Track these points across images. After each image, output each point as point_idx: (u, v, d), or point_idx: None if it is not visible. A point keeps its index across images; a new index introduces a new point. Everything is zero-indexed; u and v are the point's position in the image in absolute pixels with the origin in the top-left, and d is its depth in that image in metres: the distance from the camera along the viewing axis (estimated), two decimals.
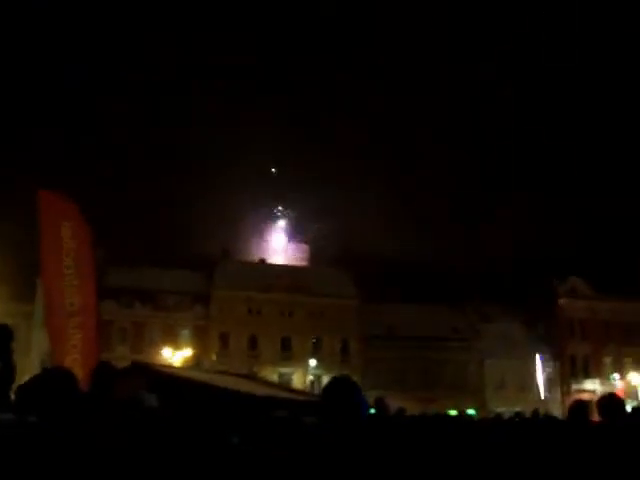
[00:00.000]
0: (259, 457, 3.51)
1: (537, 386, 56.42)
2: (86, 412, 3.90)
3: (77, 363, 8.47)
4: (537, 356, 56.89)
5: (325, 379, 43.65)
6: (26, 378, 3.86)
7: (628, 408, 6.54)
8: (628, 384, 54.53)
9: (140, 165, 67.98)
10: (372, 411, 10.25)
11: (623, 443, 4.88)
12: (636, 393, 52.13)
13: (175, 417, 4.26)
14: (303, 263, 67.84)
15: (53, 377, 3.79)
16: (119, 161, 71.21)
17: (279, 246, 72.36)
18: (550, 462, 5.46)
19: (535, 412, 14.39)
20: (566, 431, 5.89)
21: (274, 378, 46.82)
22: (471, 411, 45.89)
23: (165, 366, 19.28)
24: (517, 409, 21.93)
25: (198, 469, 3.82)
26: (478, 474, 5.11)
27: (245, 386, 5.90)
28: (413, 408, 21.78)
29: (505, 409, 40.87)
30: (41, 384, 3.69)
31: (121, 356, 33.88)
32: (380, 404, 10.36)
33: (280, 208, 75.88)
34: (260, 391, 5.64)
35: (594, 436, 5.21)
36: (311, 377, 52.10)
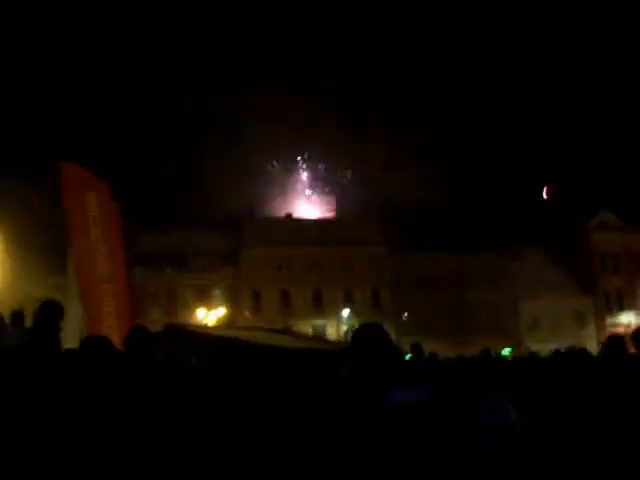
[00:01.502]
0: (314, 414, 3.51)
1: (571, 323, 56.29)
2: (126, 375, 3.95)
3: (113, 329, 8.57)
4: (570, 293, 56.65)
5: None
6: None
7: None
8: None
9: (158, 130, 67.83)
10: (408, 357, 10.33)
11: None
12: None
13: (217, 374, 4.29)
14: (330, 214, 67.69)
15: (92, 345, 3.84)
16: (137, 126, 71.12)
17: (305, 199, 72.15)
18: (586, 397, 5.46)
19: (571, 349, 14.35)
20: (601, 366, 5.86)
21: (308, 331, 47.23)
22: (507, 351, 46.05)
23: (200, 326, 19.49)
24: (553, 346, 21.89)
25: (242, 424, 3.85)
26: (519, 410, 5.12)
27: (281, 341, 5.92)
28: (448, 352, 21.84)
29: (541, 347, 40.87)
30: (83, 353, 3.74)
31: (155, 320, 34.33)
32: (416, 350, 10.47)
33: (304, 157, 75.29)
34: (296, 344, 5.66)
35: (629, 369, 5.19)
36: (345, 327, 52.46)
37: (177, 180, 63.74)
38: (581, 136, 67.61)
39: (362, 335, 3.24)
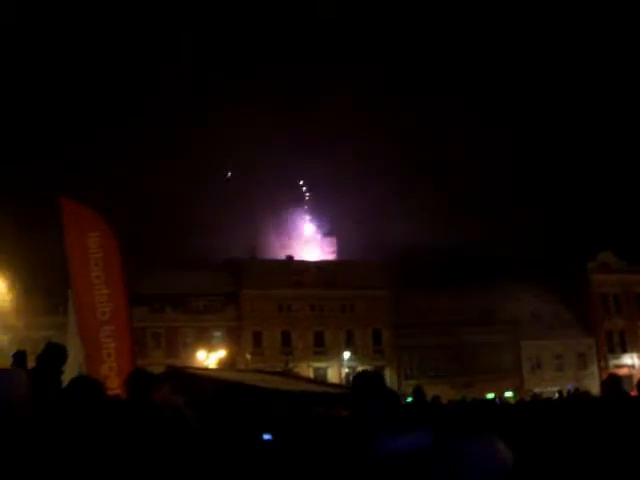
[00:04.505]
0: (290, 454, 3.55)
1: (574, 364, 55.96)
2: (124, 419, 3.95)
3: (113, 371, 8.56)
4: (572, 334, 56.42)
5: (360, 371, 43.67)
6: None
7: None
8: None
9: (160, 172, 68.23)
10: (409, 400, 10.29)
11: None
12: None
13: (206, 419, 4.29)
14: (332, 257, 67.76)
15: (79, 387, 3.85)
16: (137, 167, 71.54)
17: (306, 242, 72.31)
18: (587, 440, 5.47)
19: (574, 391, 14.32)
20: (601, 405, 5.91)
21: (309, 373, 46.95)
22: (509, 393, 45.74)
23: (200, 369, 19.42)
24: (555, 388, 21.84)
25: (229, 468, 3.86)
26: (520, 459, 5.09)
27: (280, 383, 5.92)
28: (450, 394, 21.75)
29: (543, 389, 40.61)
30: (68, 394, 3.74)
31: (156, 362, 34.18)
32: (418, 393, 10.48)
33: (305, 196, 75.74)
34: (295, 387, 5.66)
35: (630, 408, 5.24)
36: (346, 370, 52.13)
37: (178, 221, 63.89)
38: (583, 177, 67.97)
39: (359, 383, 3.36)
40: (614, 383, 5.95)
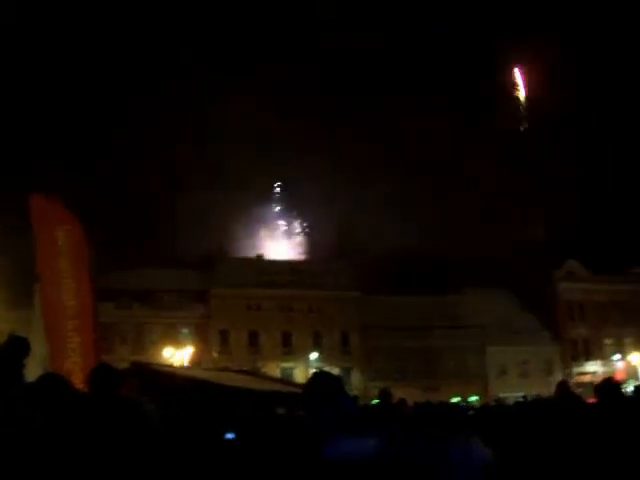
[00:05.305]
0: (249, 454, 3.54)
1: (540, 371, 56.53)
2: (85, 414, 3.91)
3: (77, 366, 8.48)
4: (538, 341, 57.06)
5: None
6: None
7: (630, 388, 6.80)
8: (629, 364, 54.71)
9: (129, 167, 67.61)
10: (375, 402, 10.34)
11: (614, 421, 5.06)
12: (637, 373, 52.29)
13: (170, 416, 4.26)
14: (302, 257, 67.80)
15: (45, 384, 3.80)
16: (110, 161, 70.82)
17: (277, 241, 72.30)
18: (546, 438, 5.62)
19: (537, 397, 14.51)
20: (554, 409, 6.10)
21: (276, 373, 46.85)
22: (474, 398, 46.12)
23: (165, 365, 19.30)
24: (520, 394, 22.03)
25: (191, 467, 3.84)
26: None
27: (245, 382, 5.90)
28: (416, 397, 21.82)
29: (508, 394, 40.95)
30: (33, 391, 3.70)
31: (122, 358, 33.87)
32: (384, 395, 10.51)
33: (276, 195, 75.73)
34: (260, 386, 5.65)
35: (583, 414, 5.40)
36: (313, 370, 52.08)
37: (148, 217, 63.43)
38: (550, 187, 68.63)
39: (311, 384, 3.30)
40: (564, 388, 6.18)
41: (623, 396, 5.80)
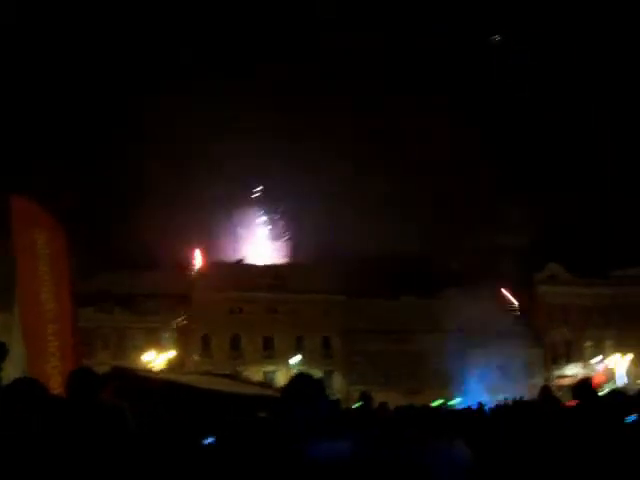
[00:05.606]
0: (228, 458, 3.51)
1: (521, 374, 56.82)
2: (61, 418, 3.87)
3: (57, 371, 8.40)
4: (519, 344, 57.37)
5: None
6: None
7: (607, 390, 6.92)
8: (608, 367, 55.13)
9: (110, 171, 67.14)
10: (356, 405, 10.32)
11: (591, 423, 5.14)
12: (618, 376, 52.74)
13: (149, 421, 4.23)
14: (285, 261, 67.69)
15: (19, 387, 3.76)
16: (90, 167, 70.23)
17: (259, 244, 72.13)
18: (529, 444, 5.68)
19: (516, 400, 14.58)
20: (535, 413, 6.19)
21: (258, 377, 46.75)
22: (456, 401, 46.24)
23: (146, 370, 19.19)
24: (501, 397, 22.12)
25: (170, 471, 3.82)
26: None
27: (226, 386, 5.88)
28: (399, 400, 21.84)
29: (491, 397, 41.12)
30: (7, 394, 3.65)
31: (103, 362, 33.64)
32: (365, 399, 10.50)
33: (262, 211, 75.62)
34: (241, 390, 5.63)
35: (563, 417, 5.47)
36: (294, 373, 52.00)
37: (129, 221, 63.02)
38: (532, 191, 68.92)
39: (292, 386, 3.29)
40: (546, 392, 6.29)
41: (597, 397, 5.90)
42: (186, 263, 56.38)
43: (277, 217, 74.66)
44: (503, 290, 59.27)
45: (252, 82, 72.45)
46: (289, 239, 71.64)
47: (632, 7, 66.45)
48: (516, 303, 59.03)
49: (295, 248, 69.06)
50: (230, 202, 71.68)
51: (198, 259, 59.05)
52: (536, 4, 76.08)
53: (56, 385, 7.14)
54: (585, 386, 5.81)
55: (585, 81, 74.64)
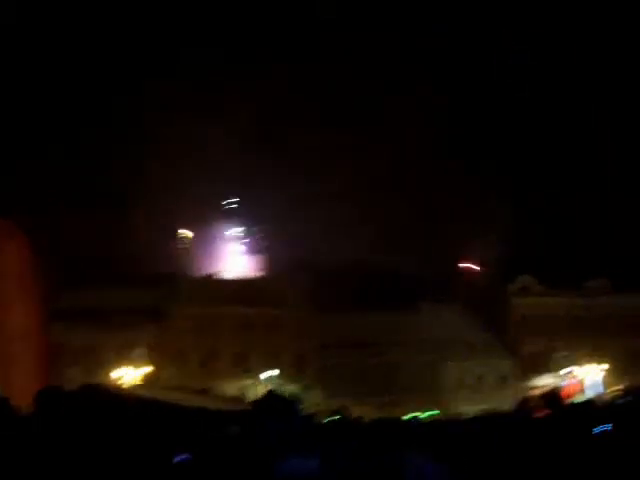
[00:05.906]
0: (205, 473, 3.46)
1: (495, 385, 57.14)
2: (29, 435, 3.79)
3: (24, 389, 8.25)
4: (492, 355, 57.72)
5: (283, 390, 43.46)
6: None
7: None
8: (581, 378, 55.52)
9: (79, 186, 66.36)
10: (330, 419, 10.28)
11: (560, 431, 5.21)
12: (590, 386, 53.11)
13: (120, 438, 4.16)
14: (258, 274, 67.48)
15: None
16: (61, 183, 69.42)
17: (232, 258, 71.88)
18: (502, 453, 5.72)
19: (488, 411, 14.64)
20: (511, 424, 6.27)
21: (232, 392, 46.50)
22: (432, 412, 46.34)
23: (116, 386, 18.99)
24: (477, 408, 22.24)
25: None
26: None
27: (199, 402, 5.81)
28: (375, 414, 21.81)
29: (468, 409, 41.31)
30: None
31: (73, 378, 33.21)
32: (339, 413, 10.52)
33: (234, 223, 75.41)
34: (213, 405, 5.56)
35: (535, 427, 5.55)
36: (267, 389, 51.77)
37: (99, 235, 62.40)
38: (506, 202, 69.41)
39: (263, 402, 3.28)
40: (523, 404, 6.49)
41: (565, 407, 6.02)
42: (159, 277, 55.85)
43: (251, 230, 74.60)
44: (474, 302, 59.51)
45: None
46: (263, 252, 71.52)
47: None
48: (488, 315, 59.28)
49: (269, 262, 68.93)
50: (204, 215, 71.51)
51: (170, 272, 58.46)
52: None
53: (24, 403, 7.01)
54: (554, 395, 5.93)
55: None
